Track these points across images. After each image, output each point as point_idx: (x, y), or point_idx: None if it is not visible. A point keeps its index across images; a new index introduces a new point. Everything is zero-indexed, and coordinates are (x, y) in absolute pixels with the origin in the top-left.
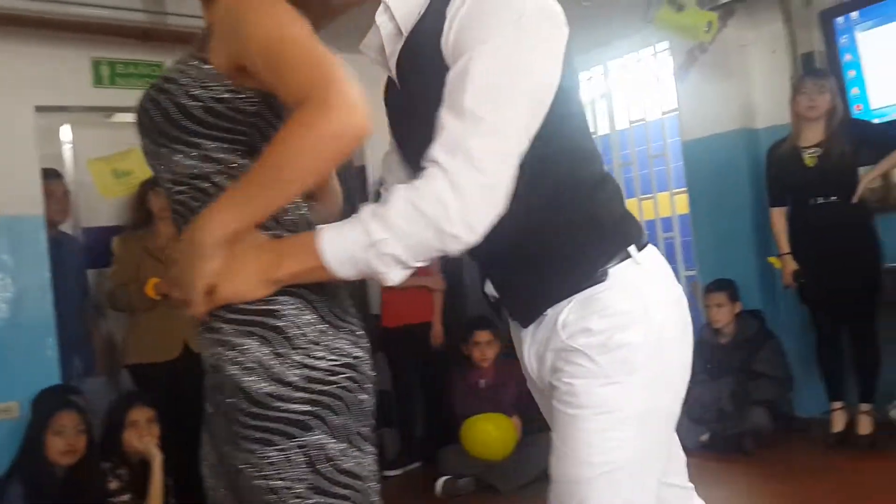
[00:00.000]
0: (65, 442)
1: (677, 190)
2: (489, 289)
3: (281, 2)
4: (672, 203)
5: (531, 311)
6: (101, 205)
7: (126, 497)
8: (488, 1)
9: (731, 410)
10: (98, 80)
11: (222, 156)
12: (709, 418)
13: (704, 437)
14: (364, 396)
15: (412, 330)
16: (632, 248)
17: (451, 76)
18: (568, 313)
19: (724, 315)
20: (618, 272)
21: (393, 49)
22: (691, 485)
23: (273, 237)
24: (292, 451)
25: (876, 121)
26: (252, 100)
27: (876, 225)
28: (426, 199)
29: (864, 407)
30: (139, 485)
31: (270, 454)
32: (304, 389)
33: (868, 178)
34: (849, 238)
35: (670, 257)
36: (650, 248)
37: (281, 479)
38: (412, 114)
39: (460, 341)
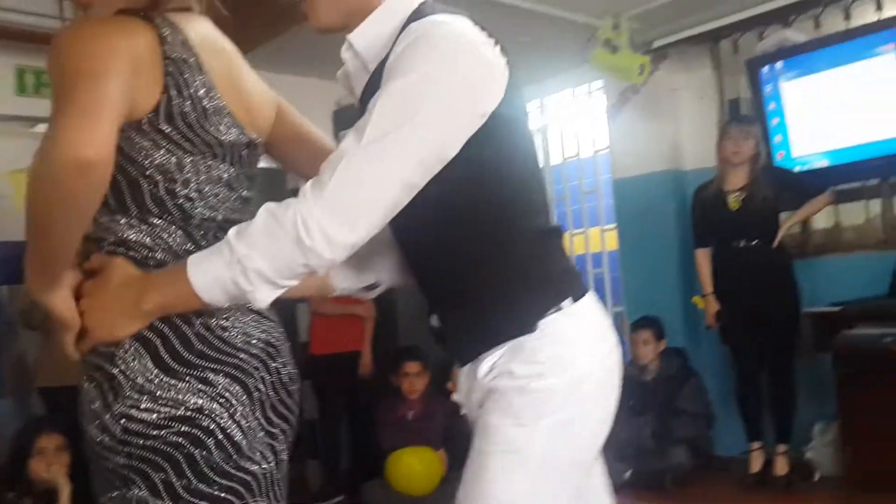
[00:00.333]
0: None
1: (608, 226)
2: (434, 321)
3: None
4: (602, 239)
5: (466, 353)
6: (17, 217)
7: None
8: (426, 39)
9: (652, 447)
10: (22, 89)
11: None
12: (631, 455)
13: (627, 475)
14: (205, 453)
15: (340, 358)
16: (565, 302)
17: (371, 102)
18: (497, 357)
19: (649, 352)
20: (548, 323)
21: (359, 82)
22: None
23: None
24: (118, 502)
25: (797, 168)
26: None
27: (795, 269)
28: (288, 213)
29: (781, 448)
30: None
31: (103, 502)
32: (123, 443)
33: (788, 223)
34: (769, 281)
35: (599, 292)
36: (588, 298)
37: None
38: None
39: (389, 372)
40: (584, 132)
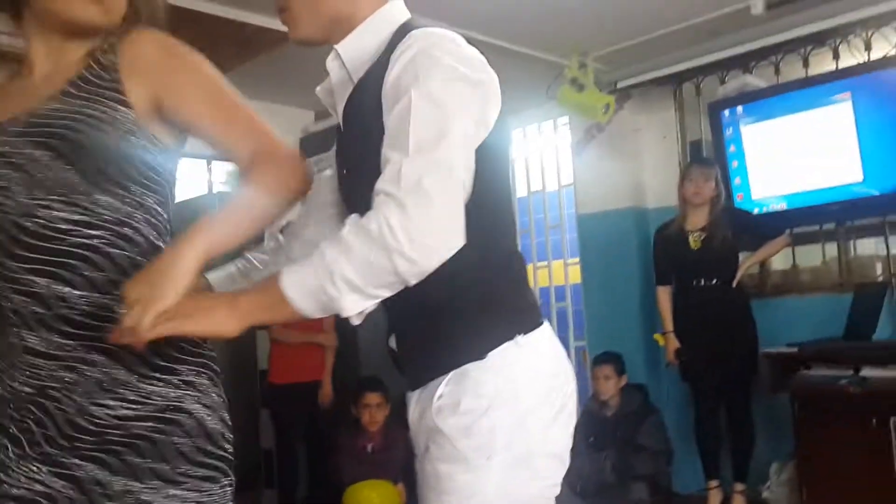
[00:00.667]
0: None
1: (572, 260)
2: (392, 342)
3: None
4: (566, 272)
5: (418, 376)
6: None
7: None
8: (433, 49)
9: (613, 482)
10: None
11: (149, 204)
12: (591, 491)
13: None
14: None
15: (300, 388)
16: (519, 332)
17: (392, 116)
18: (444, 387)
19: (610, 387)
20: (497, 354)
21: (342, 94)
22: None
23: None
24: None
25: (756, 210)
26: (171, 157)
27: (753, 309)
28: (373, 219)
29: (739, 486)
30: None
31: (215, 490)
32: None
33: (747, 264)
34: (728, 320)
35: (562, 326)
36: (542, 329)
37: None
38: (353, 158)
39: (349, 402)
40: (550, 166)
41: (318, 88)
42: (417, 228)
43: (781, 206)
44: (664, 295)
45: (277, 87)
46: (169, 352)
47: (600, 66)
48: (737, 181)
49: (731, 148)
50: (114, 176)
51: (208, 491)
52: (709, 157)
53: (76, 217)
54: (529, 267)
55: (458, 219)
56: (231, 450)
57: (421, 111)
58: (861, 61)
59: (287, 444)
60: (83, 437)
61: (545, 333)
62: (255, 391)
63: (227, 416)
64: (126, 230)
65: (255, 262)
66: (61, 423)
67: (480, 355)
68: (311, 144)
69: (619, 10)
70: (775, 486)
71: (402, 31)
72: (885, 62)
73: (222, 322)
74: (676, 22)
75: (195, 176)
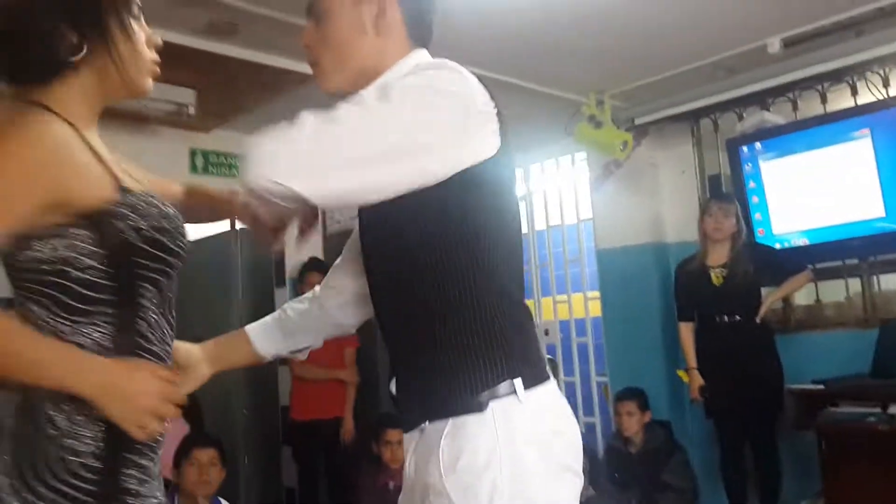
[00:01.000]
0: None
1: (592, 293)
2: (392, 387)
3: None
4: (586, 306)
5: (414, 417)
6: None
7: None
8: (444, 65)
9: None
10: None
11: None
12: None
13: None
14: None
15: (321, 424)
16: (518, 386)
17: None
18: (444, 440)
19: (633, 424)
20: (497, 406)
21: None
22: None
23: None
24: None
25: (777, 246)
26: None
27: (777, 345)
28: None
29: None
30: None
31: None
32: None
33: (770, 300)
34: (752, 357)
35: (583, 359)
36: (548, 385)
37: None
38: (371, 208)
39: (371, 439)
40: (568, 201)
41: None
42: (318, 149)
43: (803, 241)
44: (686, 331)
45: None
46: None
47: (617, 104)
48: (757, 216)
49: (751, 184)
50: None
51: None
52: (728, 193)
53: None
54: (549, 299)
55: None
56: None
57: (409, 86)
58: (879, 98)
59: (309, 481)
60: None
61: (550, 389)
62: (277, 428)
63: None
64: None
65: (289, 312)
66: None
67: (480, 407)
68: None
69: (636, 49)
70: None
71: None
72: None
73: None
74: (693, 60)
75: None
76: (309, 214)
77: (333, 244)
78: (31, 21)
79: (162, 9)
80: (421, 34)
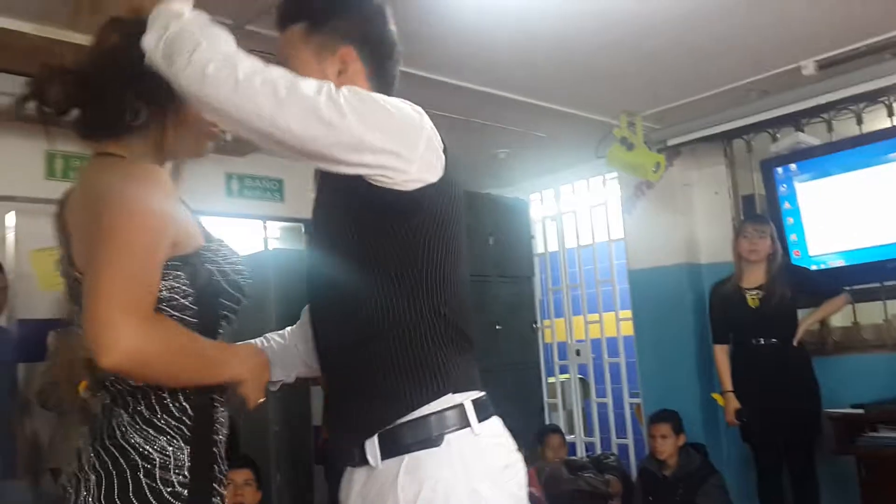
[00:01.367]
0: None
1: (623, 312)
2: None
3: None
4: (618, 325)
5: (357, 452)
6: (39, 296)
7: None
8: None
9: None
10: (51, 173)
11: None
12: None
13: None
14: None
15: None
16: (472, 416)
17: None
18: (402, 476)
19: (668, 446)
20: (454, 439)
21: None
22: None
23: None
24: None
25: (814, 267)
26: None
27: (814, 368)
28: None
29: None
30: None
31: None
32: None
33: (807, 322)
34: (790, 380)
35: (615, 379)
36: (493, 419)
37: None
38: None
39: None
40: (599, 221)
41: None
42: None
43: (839, 262)
44: (722, 353)
45: None
46: None
47: (649, 125)
48: (793, 238)
49: (786, 205)
50: None
51: None
52: (763, 214)
53: None
54: (580, 318)
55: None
56: None
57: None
58: None
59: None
60: None
61: (497, 422)
62: (309, 447)
63: None
64: None
65: (272, 342)
66: None
67: (437, 440)
68: None
69: (668, 72)
70: None
71: None
72: None
73: None
74: (727, 82)
75: (251, 234)
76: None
77: None
78: (106, 86)
79: None
80: (383, 86)
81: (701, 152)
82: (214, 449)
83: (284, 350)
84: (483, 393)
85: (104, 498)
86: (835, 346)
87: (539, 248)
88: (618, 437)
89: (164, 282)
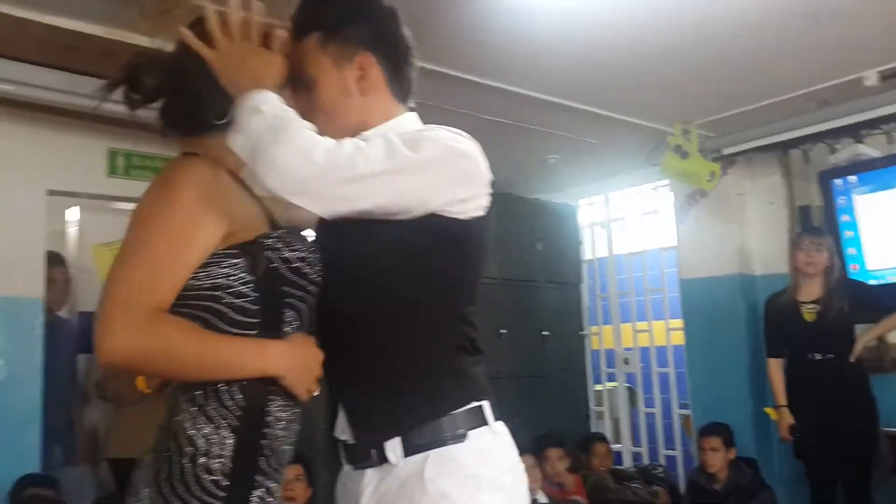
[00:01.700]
0: None
1: (673, 321)
2: (341, 431)
3: None
4: (668, 335)
5: (378, 453)
6: (100, 289)
7: None
8: (439, 132)
9: None
10: (113, 170)
11: None
12: None
13: None
14: None
15: None
16: (489, 416)
17: None
18: (429, 470)
19: (718, 460)
20: (475, 435)
21: None
22: None
23: None
24: None
25: (872, 282)
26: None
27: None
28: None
29: None
30: None
31: None
32: None
33: (865, 338)
34: (846, 396)
35: (664, 388)
36: (500, 422)
37: None
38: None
39: None
40: (649, 228)
41: None
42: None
43: None
44: (776, 367)
45: None
46: None
47: (704, 133)
48: (851, 251)
49: (845, 217)
50: None
51: None
52: (820, 226)
53: None
54: (628, 326)
55: (310, 188)
56: None
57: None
58: None
59: None
60: None
61: (504, 427)
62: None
63: None
64: None
65: None
66: None
67: (461, 437)
68: None
69: (726, 81)
70: None
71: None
72: None
73: None
74: (785, 92)
75: None
76: None
77: None
78: (193, 86)
79: None
80: (401, 90)
81: (756, 162)
82: (263, 441)
83: None
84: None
85: (154, 478)
86: (893, 363)
87: (587, 254)
88: (666, 449)
89: (220, 269)
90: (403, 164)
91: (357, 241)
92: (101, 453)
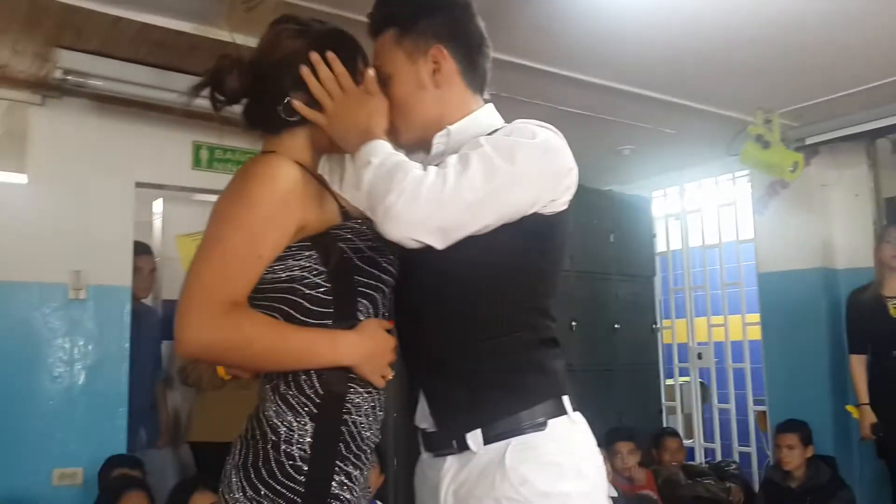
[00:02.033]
0: None
1: (749, 316)
2: (421, 419)
3: None
4: (744, 330)
5: (459, 441)
6: (183, 278)
7: None
8: (530, 127)
9: None
10: (197, 163)
11: None
12: None
13: None
14: None
15: None
16: (567, 406)
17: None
18: (510, 456)
19: (794, 458)
20: (555, 424)
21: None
22: None
23: None
24: None
25: None
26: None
27: None
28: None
29: None
30: None
31: None
32: None
33: None
34: None
35: (739, 384)
36: (578, 413)
37: None
38: None
39: None
40: (726, 220)
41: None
42: (418, 201)
43: None
44: (859, 364)
45: None
46: None
47: (787, 122)
48: None
49: None
50: None
51: None
52: None
53: None
54: (702, 320)
55: (436, 222)
56: None
57: (492, 148)
58: None
59: None
60: None
61: (583, 417)
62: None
63: None
64: None
65: None
66: None
67: (541, 425)
68: None
69: (812, 69)
70: None
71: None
72: None
73: None
74: (872, 80)
75: None
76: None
77: None
78: (273, 83)
79: None
80: (476, 81)
81: (840, 152)
82: (343, 427)
83: None
84: None
85: (241, 463)
86: None
87: (660, 247)
88: (740, 445)
89: (295, 262)
90: (503, 181)
91: None
92: (183, 436)
